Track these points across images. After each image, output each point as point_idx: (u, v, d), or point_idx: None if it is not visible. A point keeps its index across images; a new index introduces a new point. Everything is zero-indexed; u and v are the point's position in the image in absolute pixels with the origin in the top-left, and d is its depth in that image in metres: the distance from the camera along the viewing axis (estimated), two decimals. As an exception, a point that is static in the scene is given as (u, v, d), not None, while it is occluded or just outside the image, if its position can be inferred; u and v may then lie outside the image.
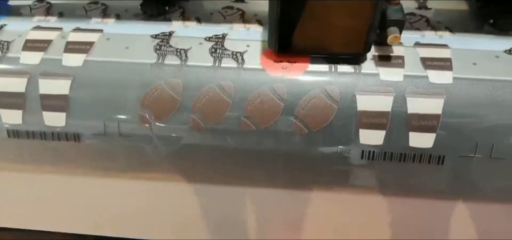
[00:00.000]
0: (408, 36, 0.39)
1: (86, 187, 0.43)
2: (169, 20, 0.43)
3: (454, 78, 0.35)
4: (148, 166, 0.40)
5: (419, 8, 0.42)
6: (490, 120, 0.35)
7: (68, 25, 0.42)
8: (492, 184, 0.37)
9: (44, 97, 0.38)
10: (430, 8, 0.42)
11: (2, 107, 0.39)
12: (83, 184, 0.43)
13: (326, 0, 0.33)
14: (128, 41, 0.40)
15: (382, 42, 0.36)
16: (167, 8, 0.44)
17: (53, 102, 0.38)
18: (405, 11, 0.38)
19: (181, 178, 0.41)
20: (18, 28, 0.42)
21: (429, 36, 0.39)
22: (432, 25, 0.40)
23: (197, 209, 0.44)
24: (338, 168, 0.37)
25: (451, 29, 0.39)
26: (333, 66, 0.36)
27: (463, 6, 0.43)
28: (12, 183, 0.45)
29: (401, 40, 0.36)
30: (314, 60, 0.37)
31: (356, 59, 0.37)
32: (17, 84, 0.39)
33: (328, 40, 0.36)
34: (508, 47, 0.37)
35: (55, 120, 0.39)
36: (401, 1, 0.36)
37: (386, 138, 0.35)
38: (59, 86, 0.38)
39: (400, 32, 0.35)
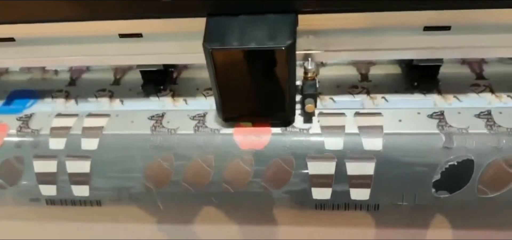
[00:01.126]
0: (352, 103, 0.48)
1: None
2: (162, 101, 0.53)
3: (384, 143, 0.45)
4: (151, 216, 0.52)
5: (361, 80, 0.52)
6: (412, 173, 0.44)
7: (83, 110, 0.53)
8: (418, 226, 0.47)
9: (71, 175, 0.50)
10: (370, 80, 0.52)
11: (40, 184, 0.51)
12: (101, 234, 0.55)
13: (254, 80, 0.43)
14: (130, 123, 0.50)
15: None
16: (162, 87, 0.55)
17: (78, 178, 0.50)
18: (349, 84, 0.47)
19: (179, 225, 0.53)
20: (44, 116, 0.53)
21: (368, 104, 0.48)
22: (371, 96, 0.49)
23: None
24: (298, 216, 0.48)
25: (385, 98, 0.49)
26: (287, 138, 0.46)
27: (397, 70, 0.53)
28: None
29: (344, 111, 0.46)
30: (274, 133, 0.47)
31: (284, 123, 0.47)
32: (50, 166, 0.50)
33: (261, 109, 0.46)
34: (427, 106, 0.47)
35: (81, 191, 0.50)
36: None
37: (333, 193, 0.46)
38: (82, 166, 0.50)
39: (315, 102, 0.45)
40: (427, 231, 0.48)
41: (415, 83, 0.50)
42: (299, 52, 0.45)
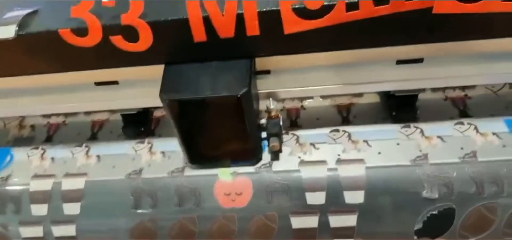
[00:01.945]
0: (334, 149, 0.47)
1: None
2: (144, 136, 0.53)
3: (365, 195, 0.44)
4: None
5: (343, 122, 0.50)
6: (394, 223, 0.45)
7: (59, 170, 0.51)
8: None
9: (58, 238, 0.50)
10: (351, 119, 0.50)
11: (29, 248, 0.52)
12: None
13: (214, 125, 0.43)
14: (108, 185, 0.49)
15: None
16: (142, 129, 0.54)
17: (66, 241, 0.50)
18: (330, 128, 0.46)
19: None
20: (21, 178, 0.52)
21: (350, 149, 0.47)
22: (352, 140, 0.48)
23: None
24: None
25: (367, 141, 0.47)
26: (269, 194, 0.46)
27: (376, 99, 0.51)
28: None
29: (325, 157, 0.45)
30: (255, 188, 0.46)
31: (251, 162, 0.47)
32: (36, 231, 0.50)
33: (226, 151, 0.46)
34: (413, 156, 0.45)
35: (71, 251, 0.51)
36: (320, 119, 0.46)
37: (317, 244, 0.46)
38: (67, 230, 0.50)
39: (280, 140, 0.45)
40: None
41: (393, 113, 0.49)
42: (261, 92, 0.46)
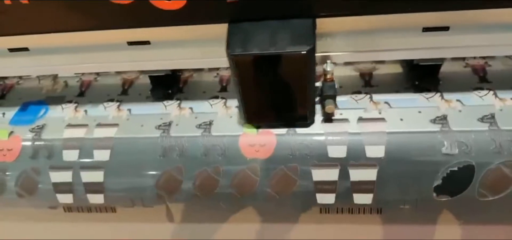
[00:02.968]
0: (354, 111, 0.49)
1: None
2: (171, 99, 0.55)
3: (386, 149, 0.46)
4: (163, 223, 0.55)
5: (365, 85, 0.52)
6: (413, 179, 0.46)
7: (92, 121, 0.54)
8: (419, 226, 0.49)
9: (87, 184, 0.52)
10: (373, 86, 0.52)
11: (57, 193, 0.54)
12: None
13: (275, 83, 0.44)
14: (139, 133, 0.52)
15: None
16: (170, 91, 0.56)
17: (93, 187, 0.52)
18: (352, 89, 0.48)
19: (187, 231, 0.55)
20: (55, 126, 0.55)
21: (371, 109, 0.49)
22: (374, 101, 0.50)
23: None
24: (304, 221, 0.50)
25: (389, 103, 0.49)
26: (292, 147, 0.48)
27: (398, 69, 0.53)
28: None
29: (347, 116, 0.47)
30: (279, 141, 0.48)
31: (305, 124, 0.48)
32: (65, 176, 0.53)
33: (282, 112, 0.47)
34: (432, 117, 0.47)
35: (96, 199, 0.53)
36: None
37: (336, 198, 0.47)
38: (96, 176, 0.52)
39: (334, 103, 0.46)
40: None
41: (416, 83, 0.50)
42: (318, 55, 0.45)
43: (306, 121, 0.48)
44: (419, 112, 0.48)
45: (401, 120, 0.47)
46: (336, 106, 0.47)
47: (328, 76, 0.46)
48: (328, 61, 0.46)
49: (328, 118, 0.49)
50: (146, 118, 0.54)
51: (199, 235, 0.55)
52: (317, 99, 0.49)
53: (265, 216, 0.51)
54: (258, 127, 0.50)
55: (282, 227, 0.52)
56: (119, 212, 0.54)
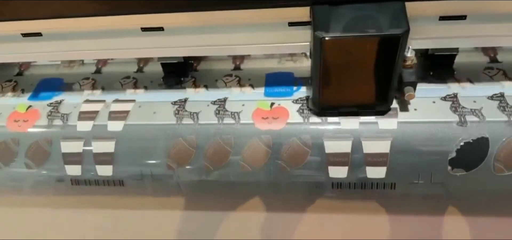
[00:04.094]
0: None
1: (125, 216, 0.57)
2: (184, 88, 0.56)
3: (398, 122, 0.46)
4: (171, 197, 0.53)
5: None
6: (428, 151, 0.45)
7: (109, 97, 0.56)
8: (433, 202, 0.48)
9: (96, 155, 0.52)
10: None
11: (66, 164, 0.53)
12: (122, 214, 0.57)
13: (360, 68, 0.43)
14: (155, 107, 0.53)
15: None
16: (182, 79, 0.57)
17: (103, 158, 0.52)
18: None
19: (196, 207, 0.54)
20: (73, 102, 0.56)
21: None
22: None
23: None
24: (316, 196, 0.49)
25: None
26: (305, 118, 0.48)
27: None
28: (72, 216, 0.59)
29: None
30: (291, 116, 0.49)
31: (384, 111, 0.47)
32: (76, 146, 0.53)
33: (360, 99, 0.46)
34: (443, 95, 0.48)
35: (105, 171, 0.52)
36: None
37: (349, 172, 0.47)
38: (107, 146, 0.52)
39: (414, 90, 0.45)
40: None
41: (431, 73, 0.51)
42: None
43: (385, 107, 0.47)
44: (433, 102, 0.48)
45: (415, 109, 0.47)
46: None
47: (408, 62, 0.45)
48: (410, 47, 0.44)
49: (406, 106, 0.47)
50: (162, 95, 0.55)
51: (208, 210, 0.53)
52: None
53: (275, 191, 0.50)
54: (329, 115, 0.48)
55: (292, 204, 0.51)
56: (127, 187, 0.53)
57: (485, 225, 0.51)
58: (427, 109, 0.47)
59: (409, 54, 0.44)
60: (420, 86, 0.50)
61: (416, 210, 0.51)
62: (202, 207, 0.56)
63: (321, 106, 0.47)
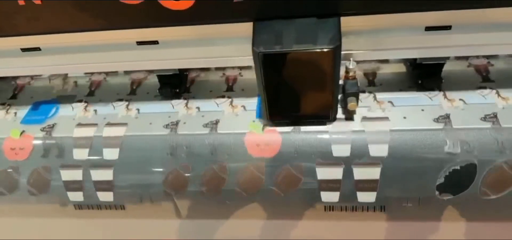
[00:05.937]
0: (358, 109, 0.50)
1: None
2: (179, 98, 0.56)
3: (389, 148, 0.47)
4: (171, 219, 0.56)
5: (369, 85, 0.53)
6: (417, 177, 0.46)
7: (102, 120, 0.56)
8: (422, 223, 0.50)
9: (96, 182, 0.54)
10: (377, 85, 0.52)
11: (68, 191, 0.55)
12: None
13: (300, 81, 0.44)
14: (149, 126, 0.53)
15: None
16: (177, 90, 0.57)
17: (103, 186, 0.54)
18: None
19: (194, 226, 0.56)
20: (66, 125, 0.56)
21: (375, 108, 0.50)
22: (377, 100, 0.51)
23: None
24: (309, 218, 0.51)
25: (392, 102, 0.50)
26: (297, 146, 0.49)
27: (402, 69, 0.54)
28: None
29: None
30: (284, 139, 0.49)
31: (327, 122, 0.49)
32: (76, 175, 0.54)
33: (305, 108, 0.48)
34: (430, 103, 0.48)
35: (106, 196, 0.54)
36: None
37: (340, 197, 0.48)
38: (105, 174, 0.53)
39: (357, 101, 0.47)
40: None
41: (419, 81, 0.51)
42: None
43: (328, 118, 0.49)
44: (422, 110, 0.49)
45: (404, 118, 0.48)
46: (358, 104, 0.47)
47: (351, 74, 0.47)
48: (351, 59, 0.46)
49: (350, 116, 0.49)
50: (154, 117, 0.55)
51: (206, 231, 0.56)
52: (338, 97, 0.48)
53: (270, 213, 0.52)
54: (280, 124, 0.50)
55: (287, 224, 0.53)
56: (128, 209, 0.55)
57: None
58: (418, 121, 0.47)
59: (351, 66, 0.46)
60: (410, 95, 0.50)
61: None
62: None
63: (270, 118, 0.49)
